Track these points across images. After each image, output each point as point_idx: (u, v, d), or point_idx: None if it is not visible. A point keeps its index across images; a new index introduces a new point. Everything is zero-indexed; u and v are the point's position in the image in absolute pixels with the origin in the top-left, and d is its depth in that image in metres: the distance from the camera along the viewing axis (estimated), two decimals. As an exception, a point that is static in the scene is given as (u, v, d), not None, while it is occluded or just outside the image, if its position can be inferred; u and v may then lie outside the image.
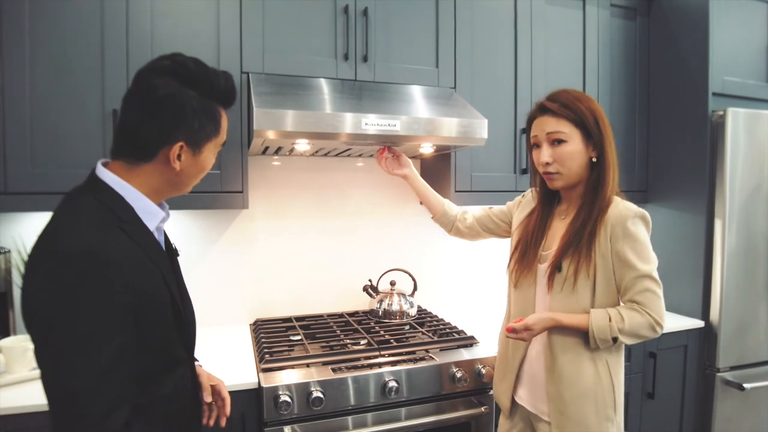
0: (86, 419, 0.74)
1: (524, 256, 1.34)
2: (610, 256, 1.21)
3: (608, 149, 1.23)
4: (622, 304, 1.24)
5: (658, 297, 1.20)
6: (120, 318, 0.77)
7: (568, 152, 1.23)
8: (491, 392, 1.61)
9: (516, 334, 1.23)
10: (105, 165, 0.89)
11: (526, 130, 1.35)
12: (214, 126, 0.92)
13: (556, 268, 1.25)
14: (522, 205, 1.47)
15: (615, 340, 1.19)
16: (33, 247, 0.80)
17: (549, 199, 1.37)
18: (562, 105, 1.24)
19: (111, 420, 0.75)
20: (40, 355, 0.76)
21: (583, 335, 1.22)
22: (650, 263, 1.20)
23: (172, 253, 1.02)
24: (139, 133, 0.85)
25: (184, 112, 0.86)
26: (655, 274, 1.21)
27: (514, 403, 1.39)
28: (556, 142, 1.24)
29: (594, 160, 1.24)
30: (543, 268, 1.29)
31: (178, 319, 0.93)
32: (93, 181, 0.86)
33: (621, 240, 1.19)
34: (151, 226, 0.90)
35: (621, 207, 1.22)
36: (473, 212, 1.62)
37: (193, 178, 0.95)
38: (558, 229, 1.31)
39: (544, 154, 1.25)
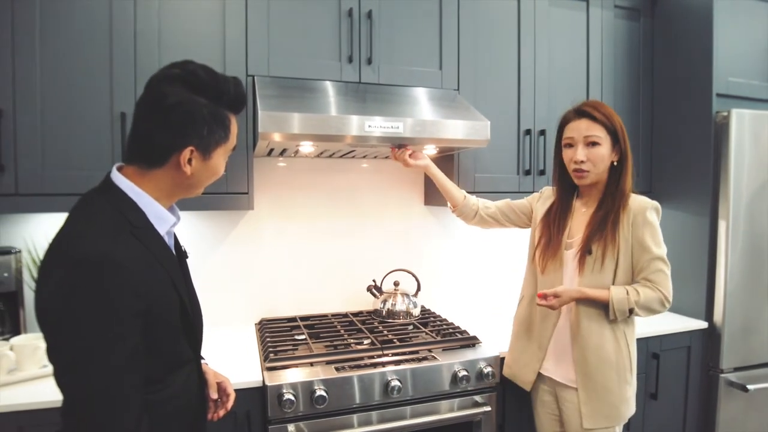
0: (93, 423, 0.77)
1: (549, 244, 1.51)
2: (630, 240, 1.40)
3: (629, 155, 1.44)
4: (636, 282, 1.42)
5: (668, 277, 1.41)
6: (129, 322, 0.80)
7: (600, 154, 1.41)
8: (493, 392, 1.62)
9: (545, 301, 1.41)
10: (119, 169, 0.91)
11: (558, 131, 1.51)
12: (224, 132, 0.94)
13: (586, 251, 1.42)
14: (542, 199, 1.63)
15: (631, 311, 1.38)
16: (48, 250, 0.83)
17: (568, 194, 1.54)
18: (601, 113, 1.42)
19: (120, 425, 0.78)
20: (51, 355, 0.79)
21: (603, 308, 1.41)
22: (662, 247, 1.41)
23: (181, 255, 1.04)
24: (150, 139, 0.88)
25: (193, 119, 0.88)
26: (666, 258, 1.41)
27: (537, 377, 1.54)
28: (592, 144, 1.41)
29: (615, 163, 1.44)
30: (570, 253, 1.47)
31: (186, 320, 0.95)
32: (107, 185, 0.89)
33: (641, 227, 1.40)
34: (162, 231, 0.92)
35: (640, 200, 1.43)
36: (494, 203, 1.74)
37: (204, 181, 0.97)
38: (580, 220, 1.49)
39: (580, 153, 1.42)
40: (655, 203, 1.43)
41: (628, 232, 1.40)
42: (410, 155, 1.71)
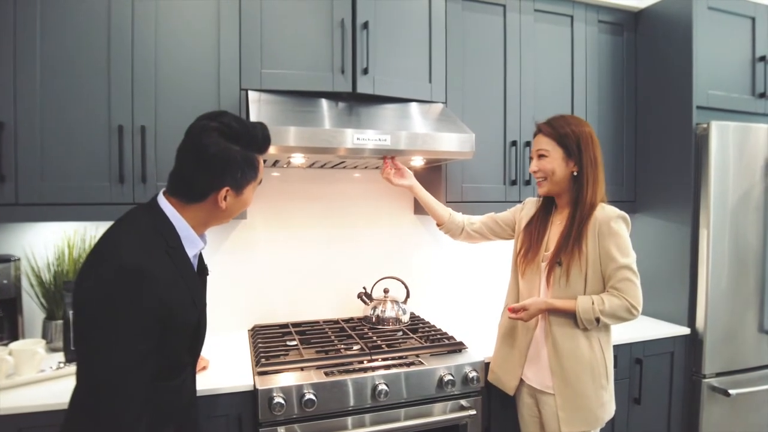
0: (107, 411, 0.88)
1: (528, 252, 1.58)
2: (597, 250, 1.44)
3: (587, 166, 1.47)
4: (606, 291, 1.45)
5: (635, 285, 1.42)
6: (150, 325, 0.93)
7: (548, 164, 1.50)
8: (479, 396, 1.67)
9: (516, 314, 1.48)
10: (164, 194, 1.05)
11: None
12: (254, 172, 1.11)
13: (556, 263, 1.48)
14: (525, 210, 1.70)
15: (598, 320, 1.41)
16: (95, 250, 0.98)
17: (548, 206, 1.61)
18: (551, 127, 1.50)
19: (121, 417, 0.88)
20: (79, 342, 0.92)
21: (573, 317, 1.44)
22: (629, 256, 1.43)
23: (203, 272, 1.19)
24: (193, 182, 1.05)
25: (230, 164, 1.04)
26: (634, 266, 1.43)
27: (519, 382, 1.59)
28: (540, 156, 1.52)
29: (575, 174, 1.48)
30: (545, 264, 1.52)
31: (196, 333, 1.09)
32: (153, 206, 1.06)
33: (606, 237, 1.43)
34: (191, 253, 1.06)
35: (607, 210, 1.46)
36: (478, 217, 1.79)
37: (236, 212, 1.13)
38: (555, 232, 1.55)
39: (533, 164, 1.55)
40: (622, 213, 1.46)
41: (594, 242, 1.44)
42: (395, 174, 1.77)
